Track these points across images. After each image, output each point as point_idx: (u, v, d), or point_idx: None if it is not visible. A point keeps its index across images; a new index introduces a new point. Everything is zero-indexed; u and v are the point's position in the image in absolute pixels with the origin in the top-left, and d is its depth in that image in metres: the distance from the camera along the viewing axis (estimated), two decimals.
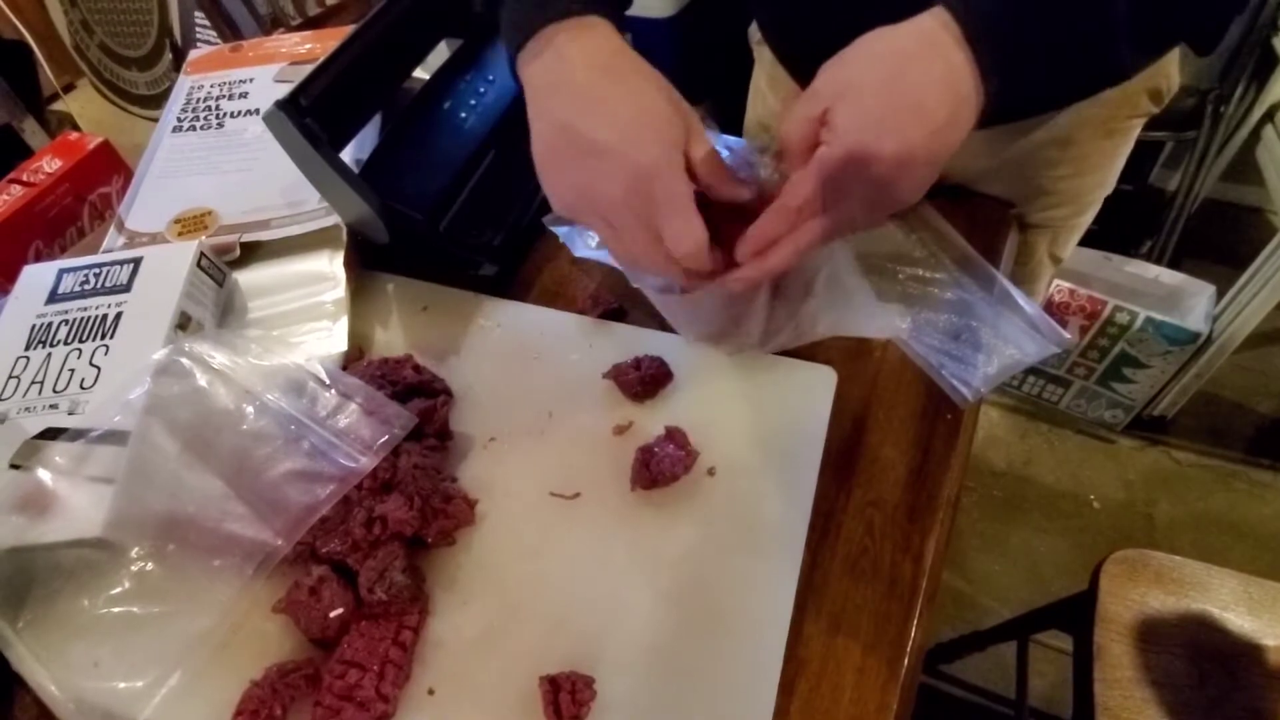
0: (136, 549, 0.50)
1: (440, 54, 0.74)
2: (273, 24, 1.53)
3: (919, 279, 0.66)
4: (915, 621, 0.48)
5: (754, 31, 0.76)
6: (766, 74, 0.79)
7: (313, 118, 0.57)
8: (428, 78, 0.71)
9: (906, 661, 0.47)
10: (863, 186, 0.36)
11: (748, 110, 0.85)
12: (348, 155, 0.66)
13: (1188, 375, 1.27)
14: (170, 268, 0.60)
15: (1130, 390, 1.33)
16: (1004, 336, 0.63)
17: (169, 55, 1.90)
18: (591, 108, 0.36)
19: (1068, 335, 0.62)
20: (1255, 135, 1.22)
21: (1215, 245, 1.49)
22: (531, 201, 0.69)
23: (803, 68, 0.70)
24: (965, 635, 1.07)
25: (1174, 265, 1.41)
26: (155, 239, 0.67)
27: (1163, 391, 1.33)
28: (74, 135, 0.93)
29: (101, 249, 0.68)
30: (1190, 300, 1.25)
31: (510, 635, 0.49)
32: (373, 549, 0.49)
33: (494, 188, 0.69)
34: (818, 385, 0.57)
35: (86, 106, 2.11)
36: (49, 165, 0.88)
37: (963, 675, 1.13)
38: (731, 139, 0.77)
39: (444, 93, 0.70)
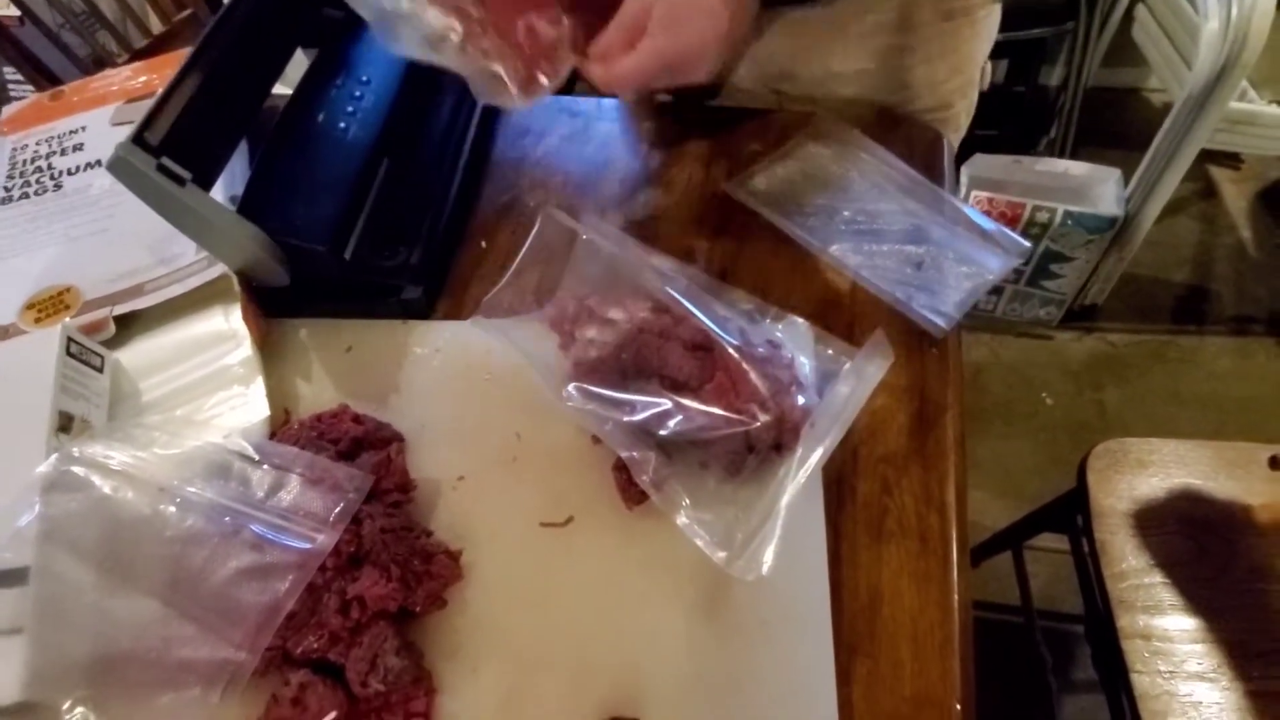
0: (68, 704, 0.42)
1: (299, 64, 0.66)
2: (96, 65, 1.36)
3: (866, 213, 0.64)
4: (956, 575, 0.46)
5: None
6: None
7: (168, 156, 0.49)
8: (291, 92, 0.63)
9: (958, 619, 0.44)
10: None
11: None
12: (219, 193, 0.58)
13: (1110, 260, 1.32)
14: (34, 363, 0.50)
15: (1059, 285, 1.37)
16: (964, 258, 0.61)
17: None
18: None
19: (1026, 243, 0.61)
20: (1129, 16, 1.25)
21: (1104, 131, 1.54)
22: (444, 208, 0.62)
23: None
24: None
25: (1073, 157, 1.45)
26: (9, 332, 0.57)
27: (1089, 281, 1.37)
28: None
29: None
30: (1100, 188, 1.28)
31: (535, 694, 0.43)
32: (355, 636, 0.43)
33: (398, 200, 0.61)
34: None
35: None
36: None
37: None
38: None
39: (315, 104, 0.62)
